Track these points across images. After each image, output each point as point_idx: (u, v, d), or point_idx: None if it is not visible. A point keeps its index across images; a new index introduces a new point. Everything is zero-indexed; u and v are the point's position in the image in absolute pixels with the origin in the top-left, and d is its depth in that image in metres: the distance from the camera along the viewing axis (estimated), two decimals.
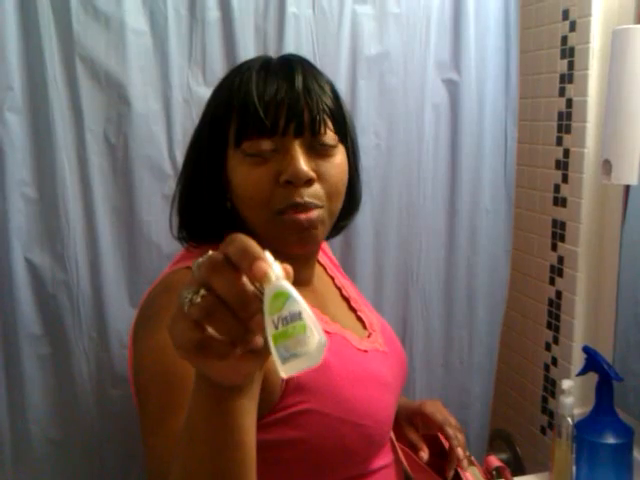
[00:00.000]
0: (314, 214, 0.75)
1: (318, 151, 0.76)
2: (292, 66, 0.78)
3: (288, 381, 0.71)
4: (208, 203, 0.80)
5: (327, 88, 0.80)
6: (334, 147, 0.78)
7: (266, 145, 0.74)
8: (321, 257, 0.97)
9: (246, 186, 0.76)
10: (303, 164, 0.73)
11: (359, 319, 0.92)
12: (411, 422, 1.01)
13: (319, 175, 0.76)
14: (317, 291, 0.88)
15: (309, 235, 0.76)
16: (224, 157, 0.78)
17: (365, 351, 0.84)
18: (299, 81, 0.76)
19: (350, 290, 0.97)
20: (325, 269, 0.97)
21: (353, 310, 0.92)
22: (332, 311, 0.86)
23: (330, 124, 0.78)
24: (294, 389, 0.72)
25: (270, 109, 0.74)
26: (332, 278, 0.96)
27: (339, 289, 0.95)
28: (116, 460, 1.23)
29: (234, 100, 0.76)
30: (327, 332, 0.78)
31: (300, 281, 0.83)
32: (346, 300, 0.94)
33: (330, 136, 0.78)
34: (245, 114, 0.75)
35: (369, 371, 0.82)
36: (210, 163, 0.79)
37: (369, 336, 0.89)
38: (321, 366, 0.74)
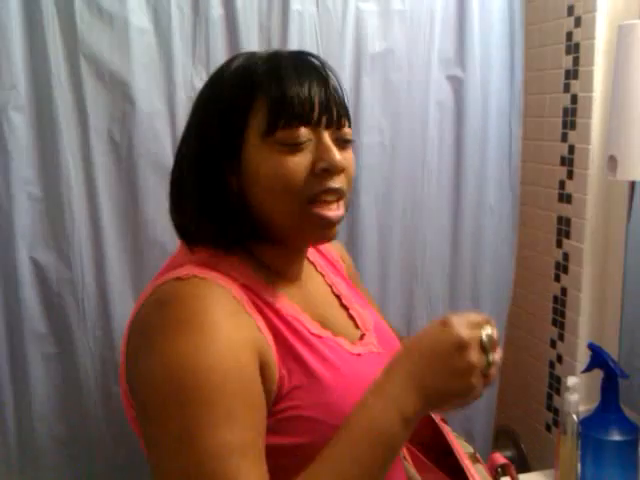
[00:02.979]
0: (342, 210, 0.78)
1: (340, 144, 0.78)
2: (321, 64, 0.80)
3: (280, 387, 0.71)
4: (210, 198, 0.78)
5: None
6: (351, 143, 0.81)
7: (304, 134, 0.75)
8: (311, 254, 0.95)
9: (280, 175, 0.74)
10: (338, 153, 0.76)
11: (351, 317, 0.91)
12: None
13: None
14: (306, 288, 0.87)
15: (332, 232, 0.79)
16: (238, 149, 0.77)
17: (358, 355, 0.83)
18: (331, 79, 0.79)
19: (342, 287, 0.95)
20: (315, 266, 0.96)
21: (345, 308, 0.92)
22: (322, 310, 0.85)
23: (348, 121, 0.81)
24: (285, 395, 0.71)
25: (307, 100, 0.75)
26: (322, 275, 0.95)
27: (330, 286, 0.94)
28: (120, 458, 1.23)
29: (261, 89, 0.76)
30: (319, 336, 0.78)
31: (289, 276, 0.83)
32: (337, 297, 0.93)
33: (350, 132, 0.81)
34: (282, 103, 0.75)
35: (362, 376, 0.79)
36: (221, 155, 0.77)
37: (362, 337, 0.88)
38: (312, 372, 0.74)
